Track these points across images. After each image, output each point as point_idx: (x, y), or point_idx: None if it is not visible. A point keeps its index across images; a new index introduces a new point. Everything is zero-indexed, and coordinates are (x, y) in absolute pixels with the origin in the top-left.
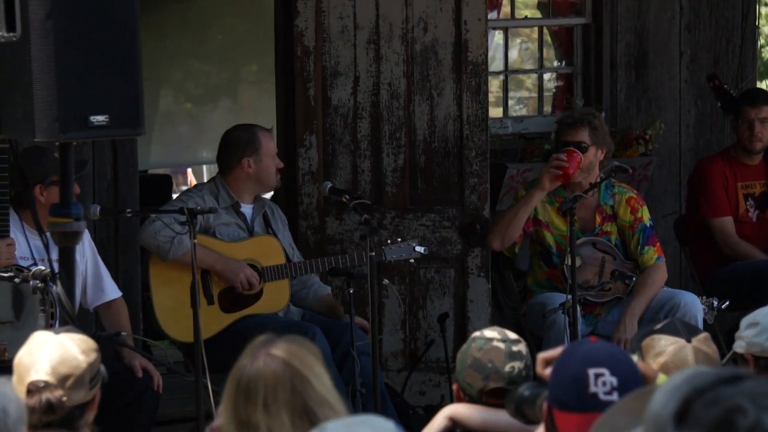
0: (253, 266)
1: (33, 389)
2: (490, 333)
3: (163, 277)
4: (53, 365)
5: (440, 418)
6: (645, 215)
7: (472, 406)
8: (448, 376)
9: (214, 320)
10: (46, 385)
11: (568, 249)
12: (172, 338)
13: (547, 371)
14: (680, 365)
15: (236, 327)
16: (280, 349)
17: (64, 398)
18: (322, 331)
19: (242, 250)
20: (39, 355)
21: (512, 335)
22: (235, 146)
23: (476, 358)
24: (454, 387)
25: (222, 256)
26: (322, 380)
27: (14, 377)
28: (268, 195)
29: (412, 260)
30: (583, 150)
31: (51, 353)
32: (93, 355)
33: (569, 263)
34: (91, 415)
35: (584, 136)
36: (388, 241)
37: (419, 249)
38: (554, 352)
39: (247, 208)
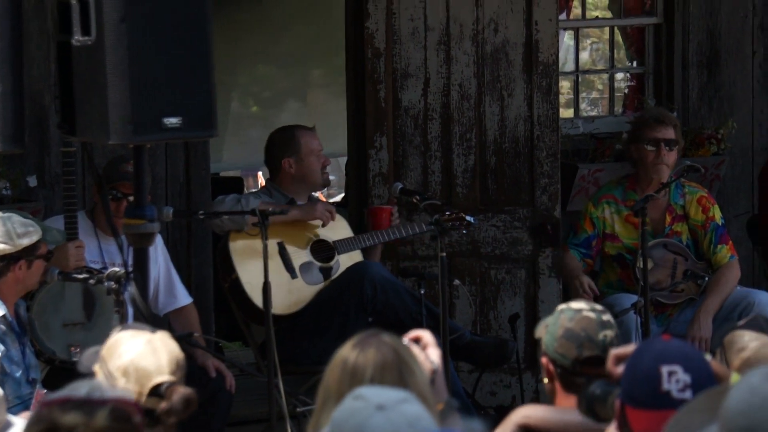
0: (324, 241)
1: (164, 391)
2: (578, 305)
3: (245, 254)
4: (170, 363)
5: (510, 425)
6: (717, 214)
7: (542, 407)
8: (519, 377)
9: (300, 293)
10: (172, 384)
11: (640, 250)
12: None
13: (619, 369)
14: (763, 361)
15: (320, 296)
16: (389, 339)
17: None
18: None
19: (310, 226)
20: (153, 357)
21: (599, 306)
22: (275, 148)
23: (568, 328)
24: (543, 360)
25: (292, 208)
26: (423, 374)
27: (127, 382)
28: (339, 197)
29: (465, 231)
30: (672, 146)
31: (160, 352)
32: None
33: (641, 265)
34: None
35: (672, 133)
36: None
37: (469, 218)
38: (627, 349)
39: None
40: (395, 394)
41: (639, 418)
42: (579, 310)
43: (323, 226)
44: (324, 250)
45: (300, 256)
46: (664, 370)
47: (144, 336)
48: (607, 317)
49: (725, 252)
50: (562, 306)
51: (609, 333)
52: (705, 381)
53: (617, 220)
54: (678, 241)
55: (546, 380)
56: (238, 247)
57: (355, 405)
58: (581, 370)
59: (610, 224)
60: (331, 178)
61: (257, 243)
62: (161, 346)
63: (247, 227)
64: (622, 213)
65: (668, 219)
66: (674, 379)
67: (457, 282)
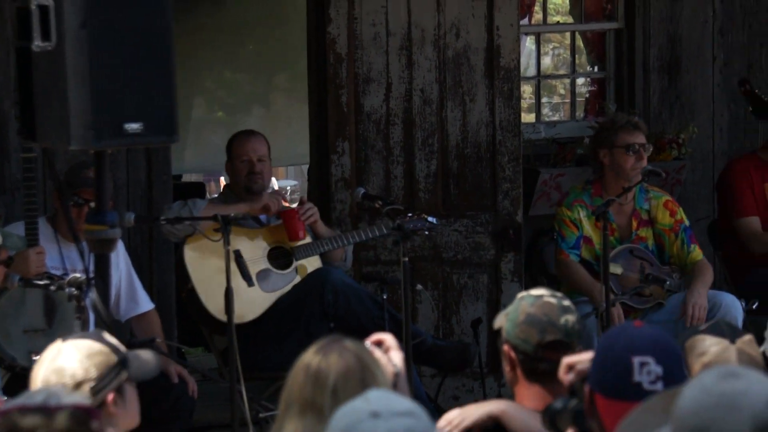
0: (280, 248)
1: None
2: (538, 291)
3: (200, 264)
4: (46, 376)
5: (481, 412)
6: (683, 215)
7: (520, 408)
8: (482, 381)
9: (258, 301)
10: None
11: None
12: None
13: (569, 377)
14: None
15: (280, 303)
16: (351, 344)
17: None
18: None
19: (265, 235)
20: (39, 366)
21: (558, 293)
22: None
23: (529, 313)
24: (504, 348)
25: (240, 202)
26: (386, 378)
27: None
28: None
29: (427, 232)
30: (647, 151)
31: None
32: (96, 360)
33: (613, 270)
34: (105, 422)
35: (643, 138)
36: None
37: (431, 219)
38: (579, 357)
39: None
40: (400, 405)
41: (608, 407)
42: (540, 296)
43: (270, 213)
44: (281, 257)
45: (257, 263)
46: (636, 360)
47: (57, 343)
48: (567, 303)
49: (698, 251)
50: (522, 293)
51: (570, 318)
52: (677, 373)
53: (589, 225)
54: (644, 246)
55: (507, 368)
56: (192, 256)
57: (356, 405)
58: (543, 355)
59: (586, 228)
60: (292, 183)
61: (213, 252)
62: (51, 356)
63: (201, 228)
64: (591, 218)
65: (634, 224)
66: (645, 370)
67: (419, 287)
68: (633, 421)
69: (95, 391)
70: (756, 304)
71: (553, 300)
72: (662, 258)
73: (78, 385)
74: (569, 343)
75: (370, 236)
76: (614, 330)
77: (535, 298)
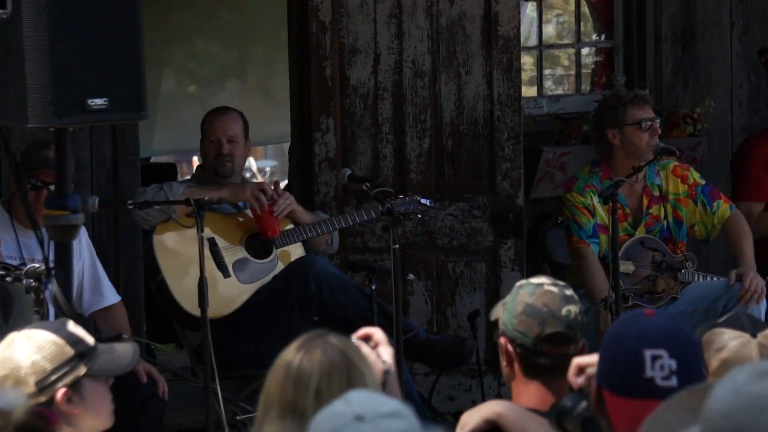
0: (259, 235)
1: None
2: (538, 279)
3: (172, 253)
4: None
5: (477, 417)
6: (695, 176)
7: (516, 409)
8: (480, 380)
9: (235, 293)
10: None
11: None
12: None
13: (580, 380)
14: (743, 362)
15: (259, 295)
16: (336, 340)
17: None
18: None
19: (243, 221)
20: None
21: (560, 282)
22: None
23: (529, 304)
24: (501, 341)
25: (221, 187)
26: (374, 377)
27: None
28: (282, 185)
29: (419, 215)
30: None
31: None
32: (46, 352)
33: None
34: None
35: (652, 111)
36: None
37: (424, 201)
38: (591, 358)
39: None
40: (385, 406)
41: (619, 406)
42: (540, 285)
43: (255, 214)
44: (261, 245)
45: (233, 252)
46: (648, 354)
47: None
48: (569, 292)
49: (723, 206)
50: (522, 281)
51: (573, 308)
52: (694, 367)
53: (604, 212)
54: (658, 227)
55: (504, 363)
56: (164, 245)
57: (337, 408)
58: (543, 349)
59: (601, 215)
60: (271, 164)
61: (185, 240)
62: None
63: (176, 215)
64: (604, 206)
65: (645, 202)
66: (659, 364)
67: (411, 276)
68: (657, 419)
69: (41, 387)
70: None
71: (554, 289)
72: (679, 234)
73: (20, 380)
74: (571, 336)
75: (357, 221)
76: (623, 320)
77: (535, 286)
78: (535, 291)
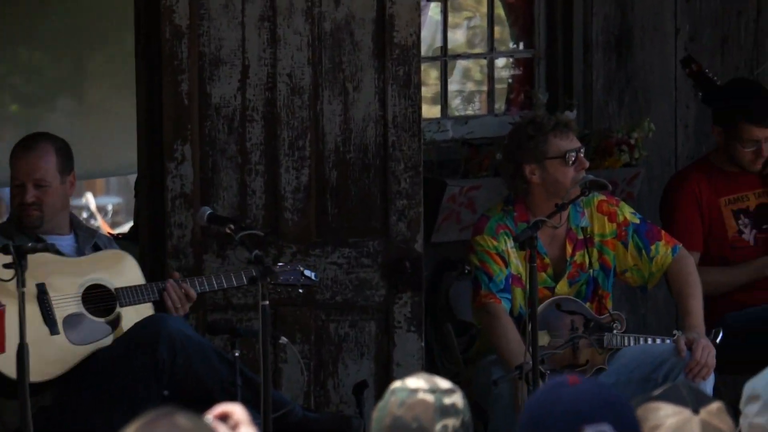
0: (101, 286)
1: None
2: (415, 382)
3: None
4: None
5: None
6: (626, 213)
7: None
8: None
9: (61, 355)
10: None
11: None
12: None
13: None
14: None
15: (99, 360)
16: (186, 421)
17: None
18: None
19: (85, 267)
20: None
21: (444, 384)
22: None
23: (397, 417)
24: None
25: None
26: None
27: None
28: (126, 227)
29: (301, 290)
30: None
31: None
32: None
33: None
34: None
35: (576, 139)
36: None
37: (308, 273)
38: None
39: (64, 240)
40: None
41: None
42: (414, 391)
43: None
44: (102, 299)
45: (67, 304)
46: (590, 431)
47: None
48: (451, 400)
49: (664, 248)
50: (396, 384)
51: (451, 422)
52: None
53: (518, 259)
54: (585, 276)
55: None
56: None
57: None
58: None
59: (514, 263)
60: (114, 201)
61: (4, 288)
62: None
63: None
64: (520, 252)
65: (569, 249)
66: None
67: (284, 340)
68: None
69: None
70: (720, 336)
71: (429, 398)
72: (607, 284)
73: None
74: None
75: (225, 286)
76: (542, 394)
77: (408, 393)
78: (406, 399)
